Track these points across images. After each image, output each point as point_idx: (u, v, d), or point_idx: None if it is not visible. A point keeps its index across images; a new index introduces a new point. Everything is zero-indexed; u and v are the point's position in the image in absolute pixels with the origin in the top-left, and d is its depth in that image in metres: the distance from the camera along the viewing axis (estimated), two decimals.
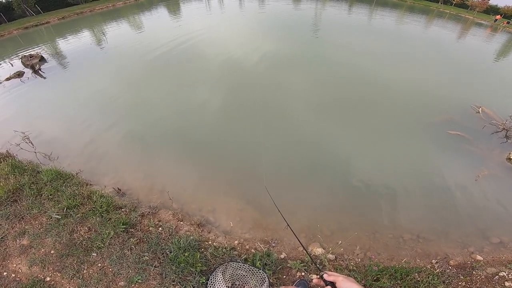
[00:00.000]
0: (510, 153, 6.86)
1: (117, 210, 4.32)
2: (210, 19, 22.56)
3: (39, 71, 12.04)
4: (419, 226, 4.86)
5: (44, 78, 11.48)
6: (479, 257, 4.15)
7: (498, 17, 33.48)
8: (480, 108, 8.76)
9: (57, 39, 19.48)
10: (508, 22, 31.40)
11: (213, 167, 6.00)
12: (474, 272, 3.74)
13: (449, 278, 3.63)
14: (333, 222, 4.83)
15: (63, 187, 4.66)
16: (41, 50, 16.13)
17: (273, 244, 4.18)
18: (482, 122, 8.15)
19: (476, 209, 5.40)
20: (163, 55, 12.98)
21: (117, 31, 19.40)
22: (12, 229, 3.92)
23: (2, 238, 3.81)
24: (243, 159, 6.23)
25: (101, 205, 4.25)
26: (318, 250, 4.08)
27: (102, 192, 4.74)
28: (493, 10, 38.36)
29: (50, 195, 4.48)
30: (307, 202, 5.24)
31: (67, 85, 10.44)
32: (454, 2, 41.23)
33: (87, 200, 4.40)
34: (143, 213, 4.37)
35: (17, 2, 29.93)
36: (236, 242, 4.10)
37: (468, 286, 3.52)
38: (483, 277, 3.65)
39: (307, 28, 19.39)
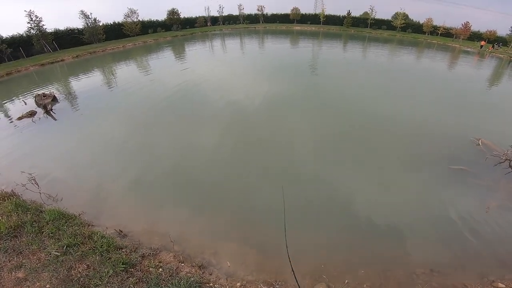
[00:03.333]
0: None
1: (117, 250, 4.28)
2: (213, 61, 23.88)
3: (51, 112, 12.44)
4: (432, 260, 4.71)
5: (55, 119, 11.81)
6: (501, 285, 4.01)
7: (482, 43, 35.25)
8: (480, 140, 8.81)
9: (70, 78, 20.49)
10: (493, 47, 32.92)
11: (216, 210, 5.99)
12: None
13: None
14: (340, 261, 4.70)
15: (65, 227, 4.68)
16: (54, 89, 16.89)
17: (277, 286, 4.01)
18: (483, 154, 8.16)
19: (490, 239, 5.27)
20: (169, 98, 13.43)
21: (126, 73, 20.43)
22: (9, 262, 3.91)
23: None
24: (246, 203, 6.21)
25: (102, 245, 4.23)
26: None
27: (104, 233, 4.73)
28: (476, 36, 40.56)
29: (51, 233, 4.49)
30: (313, 241, 5.14)
31: (76, 128, 10.74)
32: (439, 32, 43.85)
33: (88, 239, 4.39)
34: (143, 254, 4.31)
35: (36, 37, 31.89)
36: (238, 284, 3.99)
37: None
38: None
39: (305, 66, 20.42)
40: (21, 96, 15.75)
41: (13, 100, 15.37)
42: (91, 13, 37.52)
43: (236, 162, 7.86)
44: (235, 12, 62.43)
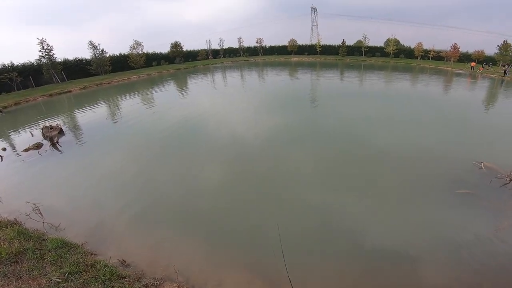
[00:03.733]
0: None
1: (120, 279, 4.17)
2: (215, 94, 24.69)
3: (57, 144, 12.58)
4: None
5: (61, 152, 11.91)
6: None
7: (473, 64, 36.38)
8: (482, 164, 8.86)
9: (76, 110, 20.99)
10: (483, 67, 34.09)
11: (220, 240, 5.90)
12: None
13: None
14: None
15: (67, 255, 4.62)
16: (61, 120, 17.28)
17: None
18: (487, 177, 8.16)
19: (506, 264, 5.05)
20: (172, 132, 13.66)
21: (131, 106, 20.90)
22: (8, 286, 3.82)
23: None
24: (249, 233, 6.13)
25: (105, 273, 4.14)
26: None
27: (107, 262, 4.64)
28: (466, 58, 42.18)
29: (53, 260, 4.43)
30: (315, 272, 4.96)
31: (81, 161, 10.81)
32: (430, 56, 45.85)
33: (91, 268, 4.30)
34: (147, 284, 4.19)
35: (46, 66, 33.24)
36: None
37: None
38: None
39: (304, 98, 21.04)
40: (28, 127, 16.09)
41: (20, 131, 15.71)
42: (99, 44, 39.59)
43: (237, 194, 7.87)
44: (235, 45, 66.26)
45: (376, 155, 10.04)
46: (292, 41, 62.37)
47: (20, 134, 15.09)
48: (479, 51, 41.17)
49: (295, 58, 58.04)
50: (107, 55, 41.54)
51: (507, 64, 31.53)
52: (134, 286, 4.02)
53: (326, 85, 27.64)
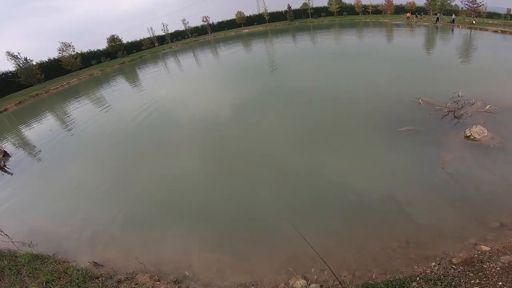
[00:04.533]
0: (464, 131, 7.09)
1: (94, 279, 4.41)
2: (171, 79, 23.67)
3: (5, 167, 11.65)
4: (405, 231, 4.56)
5: (11, 174, 11.10)
6: (484, 247, 3.67)
7: (408, 14, 38.64)
8: (420, 99, 9.43)
9: (19, 128, 19.03)
10: (416, 17, 36.47)
11: (185, 225, 6.01)
12: (484, 266, 3.21)
13: (455, 278, 3.11)
14: (310, 248, 4.65)
15: (41, 266, 4.81)
16: (5, 142, 15.74)
17: (252, 287, 4.15)
18: (426, 111, 8.63)
19: (458, 197, 5.10)
20: (134, 127, 12.81)
21: (80, 110, 19.19)
22: None
23: None
24: (215, 211, 6.27)
25: (78, 277, 4.37)
26: (300, 283, 3.87)
27: (79, 266, 4.84)
28: (400, 9, 44.71)
29: (30, 273, 4.63)
30: (283, 228, 5.11)
31: (35, 178, 10.24)
32: (370, 11, 47.65)
33: (64, 274, 4.50)
34: (119, 279, 4.44)
35: None
36: None
37: (484, 283, 2.95)
38: (498, 268, 3.11)
39: (262, 66, 21.10)
40: None
41: None
42: (19, 53, 34.74)
43: (205, 172, 8.00)
44: (181, 27, 62.06)
45: (327, 105, 10.97)
46: (239, 13, 60.09)
47: None
48: (410, 2, 43.69)
49: (246, 30, 56.42)
50: (34, 63, 36.61)
51: (438, 12, 33.87)
52: (107, 283, 4.27)
53: (281, 50, 27.82)
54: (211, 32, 61.42)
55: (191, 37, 60.38)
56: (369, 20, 43.61)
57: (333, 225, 5.21)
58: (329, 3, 53.18)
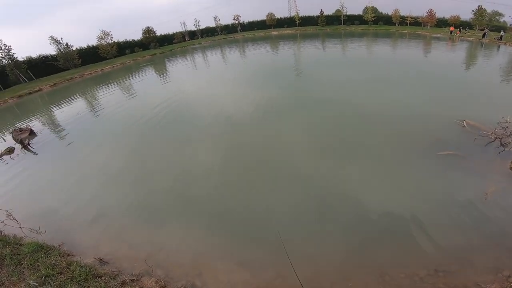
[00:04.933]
0: (511, 162, 6.44)
1: (96, 278, 4.19)
2: (197, 75, 23.81)
3: (28, 146, 12.04)
4: (435, 259, 4.30)
5: (35, 153, 11.44)
6: None
7: (452, 28, 36.78)
8: (464, 122, 8.61)
9: (50, 108, 19.95)
10: (460, 31, 34.43)
11: (200, 229, 5.75)
12: None
13: None
14: (332, 270, 4.37)
15: (44, 258, 4.64)
16: (35, 120, 16.46)
17: None
18: (470, 136, 7.87)
19: (496, 227, 4.85)
20: (156, 118, 12.99)
21: (109, 96, 19.90)
22: None
23: None
24: (231, 218, 5.98)
25: (80, 274, 4.17)
26: None
27: (82, 261, 4.66)
28: (442, 23, 42.43)
29: (30, 264, 4.47)
30: (303, 247, 4.88)
31: (57, 160, 10.42)
32: (408, 22, 45.67)
33: (66, 269, 4.32)
34: (123, 281, 4.21)
35: (9, 67, 31.37)
36: None
37: None
38: None
39: (288, 70, 20.53)
40: (0, 132, 15.25)
41: None
42: (61, 38, 36.84)
43: (222, 175, 7.70)
44: (212, 24, 63.20)
45: (360, 120, 10.10)
46: (270, 15, 60.04)
47: None
48: (455, 16, 41.28)
49: (275, 32, 56.17)
50: (74, 48, 38.76)
51: (486, 28, 31.84)
52: (110, 284, 4.05)
53: (309, 55, 27.11)
54: (240, 31, 61.92)
55: (221, 34, 61.26)
56: (406, 31, 41.69)
57: (356, 247, 4.83)
58: (364, 12, 51.74)
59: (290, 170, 7.42)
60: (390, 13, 49.72)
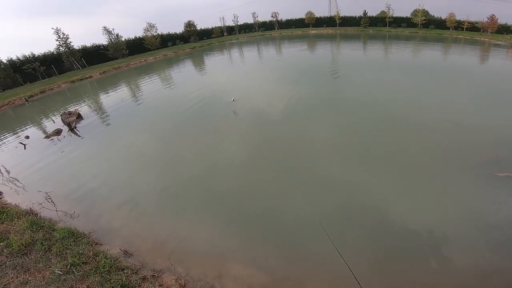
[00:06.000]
0: None
1: (119, 271, 4.29)
2: (233, 70, 24.19)
3: (75, 130, 13.10)
4: (481, 282, 4.14)
5: (80, 136, 12.39)
6: None
7: None
8: None
9: (97, 94, 21.75)
10: None
11: (225, 231, 5.75)
12: None
13: None
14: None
15: (72, 246, 4.83)
16: (84, 104, 18.00)
17: None
18: None
19: None
20: (191, 109, 13.63)
21: (150, 86, 21.15)
22: (16, 278, 4.10)
23: (5, 285, 3.97)
24: (258, 221, 5.92)
25: (104, 265, 4.28)
26: None
27: (108, 252, 4.79)
28: (504, 29, 37.57)
29: (59, 251, 4.66)
30: (332, 264, 4.64)
31: (98, 144, 11.21)
32: (464, 27, 41.20)
33: (92, 259, 4.47)
34: (145, 276, 4.28)
35: (66, 54, 34.62)
36: None
37: None
38: None
39: (324, 70, 19.87)
40: (51, 113, 16.96)
41: (45, 118, 16.56)
42: (113, 29, 39.90)
43: (255, 180, 7.54)
44: (250, 20, 63.47)
45: (396, 128, 9.43)
46: (309, 13, 58.34)
47: (44, 122, 15.93)
48: None
49: (313, 31, 54.59)
50: (123, 39, 41.80)
51: None
52: (131, 279, 4.12)
53: (347, 57, 25.88)
54: (278, 29, 61.29)
55: (258, 31, 61.27)
56: (461, 36, 37.79)
57: (399, 264, 4.67)
58: (413, 14, 47.77)
59: (322, 174, 7.20)
60: (443, 17, 45.37)
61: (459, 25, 42.20)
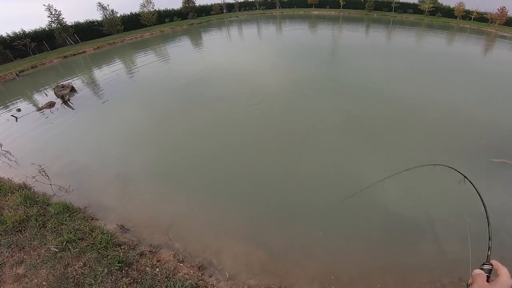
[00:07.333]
0: None
1: (116, 247, 4.21)
2: (231, 48, 23.39)
3: (68, 102, 12.79)
4: (461, 268, 4.08)
5: (73, 109, 12.12)
6: None
7: None
8: None
9: (91, 69, 21.05)
10: None
11: (225, 207, 5.66)
12: None
13: None
14: (353, 266, 4.25)
15: (68, 221, 4.70)
16: (77, 79, 17.42)
17: None
18: None
19: None
20: (187, 87, 13.25)
21: (145, 61, 20.56)
22: (12, 257, 4.00)
23: (0, 265, 3.87)
24: (257, 200, 5.82)
25: (101, 241, 4.18)
26: None
27: (105, 228, 4.68)
28: None
29: (54, 227, 4.53)
30: (323, 243, 4.66)
31: (93, 117, 10.94)
32: (472, 17, 40.35)
33: (88, 235, 4.36)
34: (142, 251, 4.21)
35: (58, 30, 33.24)
36: None
37: None
38: None
39: (325, 52, 19.40)
40: (43, 88, 16.33)
41: (36, 92, 15.95)
42: (108, 5, 38.13)
43: (250, 155, 7.45)
44: None
45: (403, 114, 9.26)
46: None
47: (36, 95, 15.40)
48: None
49: (315, 12, 52.70)
50: (118, 15, 40.01)
51: None
52: (128, 255, 4.05)
53: (349, 39, 25.19)
54: (279, 8, 59.12)
55: (259, 9, 59.05)
56: (468, 26, 36.96)
57: (382, 246, 4.65)
58: (421, 1, 46.30)
59: (320, 155, 7.13)
60: (452, 6, 44.12)
61: (467, 15, 41.28)
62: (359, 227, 5.03)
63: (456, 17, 42.10)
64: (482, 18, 40.06)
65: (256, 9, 59.26)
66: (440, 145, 7.41)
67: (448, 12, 44.31)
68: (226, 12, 57.70)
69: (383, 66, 15.33)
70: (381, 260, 4.38)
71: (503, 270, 0.92)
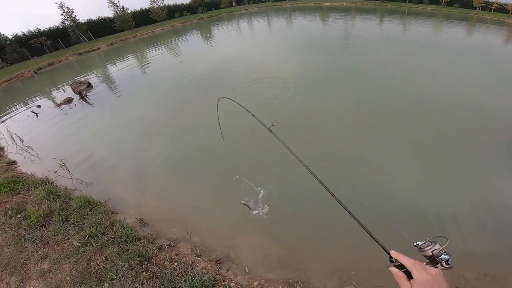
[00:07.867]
0: None
1: (135, 241, 4.30)
2: (241, 41, 23.26)
3: (86, 98, 13.11)
4: (485, 263, 4.04)
5: (90, 104, 12.40)
6: None
7: None
8: None
9: (105, 65, 21.55)
10: None
11: (236, 196, 5.55)
12: None
13: None
14: (373, 259, 4.02)
15: (89, 215, 4.83)
16: (92, 75, 17.88)
17: (298, 287, 3.79)
18: None
19: None
20: (200, 80, 13.28)
21: (158, 56, 20.85)
22: (36, 252, 4.13)
23: (25, 260, 4.00)
24: (276, 195, 5.68)
25: (121, 235, 4.29)
26: None
27: (124, 222, 4.79)
28: None
29: (76, 221, 4.66)
30: (342, 237, 4.57)
31: (109, 112, 11.18)
32: (493, 8, 38.43)
33: (109, 229, 4.48)
34: (161, 245, 4.29)
35: (71, 28, 34.25)
36: (255, 283, 3.77)
37: None
38: None
39: (338, 44, 18.98)
40: (61, 84, 16.85)
41: (54, 89, 16.47)
42: (118, 1, 38.66)
43: (268, 148, 7.27)
44: None
45: (415, 106, 8.97)
46: None
47: (54, 92, 15.89)
48: None
49: (327, 3, 51.41)
50: (129, 11, 40.65)
51: None
52: (148, 249, 4.13)
53: (362, 31, 24.43)
54: None
55: (268, 1, 58.23)
56: (488, 17, 35.23)
57: (400, 240, 4.52)
58: None
59: (330, 148, 7.03)
60: None
61: (486, 6, 39.34)
62: (381, 219, 4.83)
63: (475, 8, 40.18)
64: (502, 9, 38.17)
65: (266, 1, 58.46)
66: (458, 138, 7.19)
67: (466, 3, 42.38)
68: (236, 5, 57.21)
69: (401, 59, 14.79)
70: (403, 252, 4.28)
71: (412, 267, 0.94)
